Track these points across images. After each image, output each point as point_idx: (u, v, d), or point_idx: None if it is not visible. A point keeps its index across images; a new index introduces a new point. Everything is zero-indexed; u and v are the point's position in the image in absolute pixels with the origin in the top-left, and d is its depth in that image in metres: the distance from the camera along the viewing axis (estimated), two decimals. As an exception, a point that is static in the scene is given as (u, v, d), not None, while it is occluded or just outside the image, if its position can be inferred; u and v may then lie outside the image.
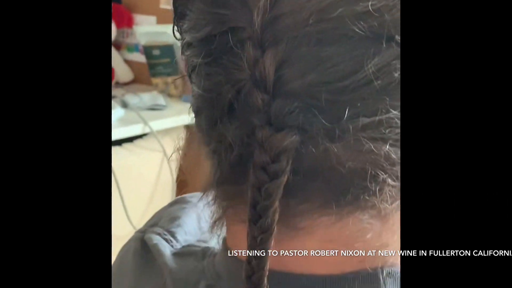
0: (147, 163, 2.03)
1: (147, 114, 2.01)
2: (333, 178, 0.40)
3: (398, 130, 0.40)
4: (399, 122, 0.40)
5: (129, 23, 2.38)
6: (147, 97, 2.10)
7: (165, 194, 2.03)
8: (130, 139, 2.00)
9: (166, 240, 0.55)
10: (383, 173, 0.40)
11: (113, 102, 1.99)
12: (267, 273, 0.41)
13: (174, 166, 2.05)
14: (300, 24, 0.38)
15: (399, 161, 0.40)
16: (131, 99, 2.08)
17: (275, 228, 0.40)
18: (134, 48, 2.41)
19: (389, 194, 0.41)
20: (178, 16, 0.44)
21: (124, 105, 2.04)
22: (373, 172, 0.40)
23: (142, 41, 2.25)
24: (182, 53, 0.44)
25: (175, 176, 2.06)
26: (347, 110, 0.39)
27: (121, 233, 1.85)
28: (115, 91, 2.21)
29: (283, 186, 0.40)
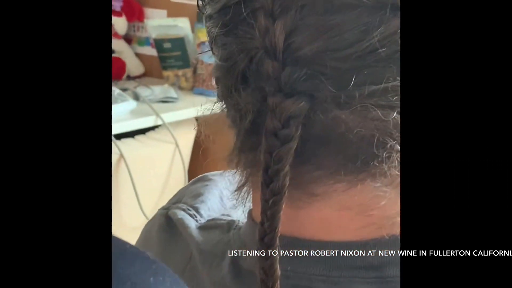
0: (160, 154, 2.04)
1: (159, 107, 2.02)
2: (343, 145, 0.42)
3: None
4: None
5: (140, 16, 2.39)
6: (159, 90, 2.11)
7: (177, 185, 2.04)
8: (142, 131, 2.02)
9: (191, 215, 0.56)
10: (391, 140, 0.41)
11: (125, 95, 2.01)
12: (278, 234, 0.42)
13: (186, 157, 2.06)
14: None
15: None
16: (143, 91, 2.09)
17: (287, 192, 0.41)
18: (145, 41, 2.41)
19: (397, 160, 0.42)
20: None
21: (136, 97, 2.06)
22: (381, 138, 0.41)
23: (153, 34, 2.26)
24: (205, 25, 0.46)
25: (187, 167, 2.07)
26: (353, 77, 0.40)
27: (134, 224, 1.87)
28: (127, 84, 2.22)
29: (297, 153, 0.41)
